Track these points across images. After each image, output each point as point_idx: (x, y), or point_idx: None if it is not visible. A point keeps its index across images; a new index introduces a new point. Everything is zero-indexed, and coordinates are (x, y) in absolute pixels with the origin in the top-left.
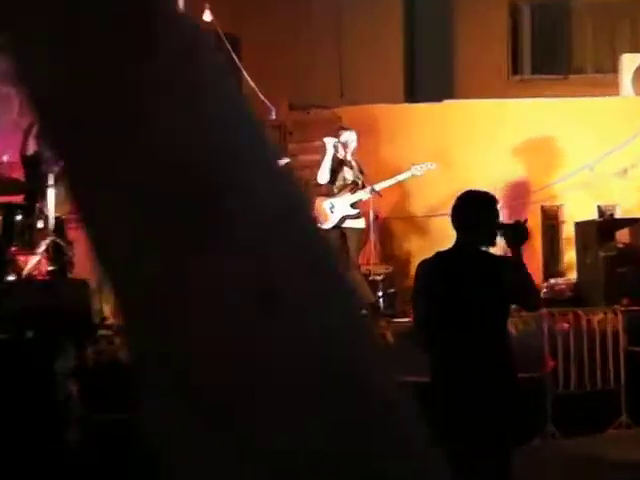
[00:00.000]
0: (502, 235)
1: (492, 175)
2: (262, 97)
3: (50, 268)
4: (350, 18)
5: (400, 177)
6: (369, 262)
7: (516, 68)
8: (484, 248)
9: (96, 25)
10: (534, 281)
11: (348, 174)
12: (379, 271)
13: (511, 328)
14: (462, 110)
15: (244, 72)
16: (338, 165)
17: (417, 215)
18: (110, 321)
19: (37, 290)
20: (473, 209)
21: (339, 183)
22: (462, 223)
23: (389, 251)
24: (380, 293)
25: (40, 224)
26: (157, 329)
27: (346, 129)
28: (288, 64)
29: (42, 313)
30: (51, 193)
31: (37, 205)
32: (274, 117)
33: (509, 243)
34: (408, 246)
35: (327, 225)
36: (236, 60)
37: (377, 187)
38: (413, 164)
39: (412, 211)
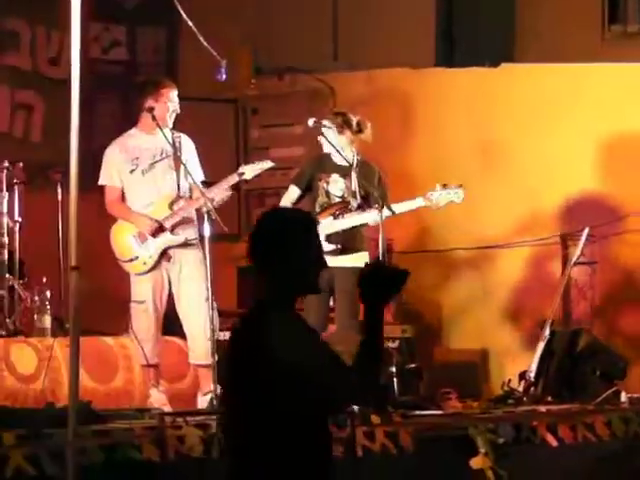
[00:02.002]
0: (360, 284)
1: (564, 183)
2: (203, 41)
3: None
4: None
5: (418, 203)
6: None
7: (615, 15)
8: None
9: None
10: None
11: (336, 186)
12: (393, 335)
13: None
14: (527, 78)
15: (178, 7)
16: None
17: (451, 247)
18: None
19: None
20: (268, 240)
21: (321, 200)
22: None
23: (409, 304)
24: (393, 369)
25: None
26: None
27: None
28: (253, 6)
29: None
30: None
31: None
32: (224, 77)
33: (369, 298)
34: (438, 295)
35: None
36: None
37: (397, 208)
38: (436, 189)
39: (443, 241)
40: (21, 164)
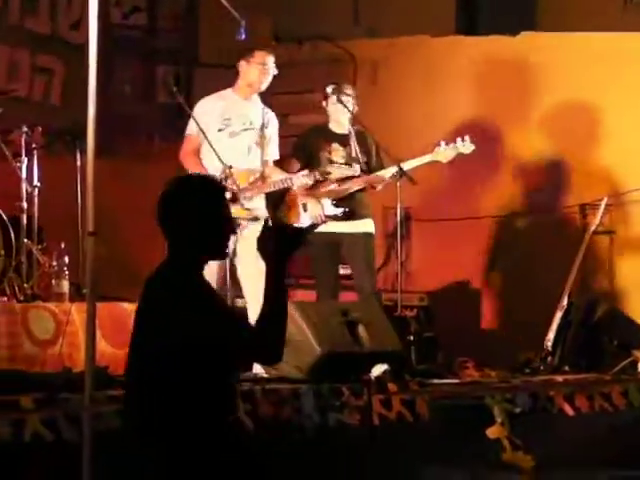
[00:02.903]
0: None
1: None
2: (223, 1)
3: None
4: None
5: (426, 158)
6: (393, 288)
7: None
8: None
9: None
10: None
11: (338, 154)
12: (410, 303)
13: None
14: (548, 47)
15: None
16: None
17: (467, 216)
18: None
19: None
20: (173, 205)
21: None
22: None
23: (426, 273)
24: (411, 338)
25: None
26: None
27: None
28: None
29: None
30: None
31: None
32: (243, 37)
33: (271, 256)
34: (455, 263)
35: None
36: None
37: (406, 166)
38: (445, 142)
39: (460, 209)
40: (40, 128)
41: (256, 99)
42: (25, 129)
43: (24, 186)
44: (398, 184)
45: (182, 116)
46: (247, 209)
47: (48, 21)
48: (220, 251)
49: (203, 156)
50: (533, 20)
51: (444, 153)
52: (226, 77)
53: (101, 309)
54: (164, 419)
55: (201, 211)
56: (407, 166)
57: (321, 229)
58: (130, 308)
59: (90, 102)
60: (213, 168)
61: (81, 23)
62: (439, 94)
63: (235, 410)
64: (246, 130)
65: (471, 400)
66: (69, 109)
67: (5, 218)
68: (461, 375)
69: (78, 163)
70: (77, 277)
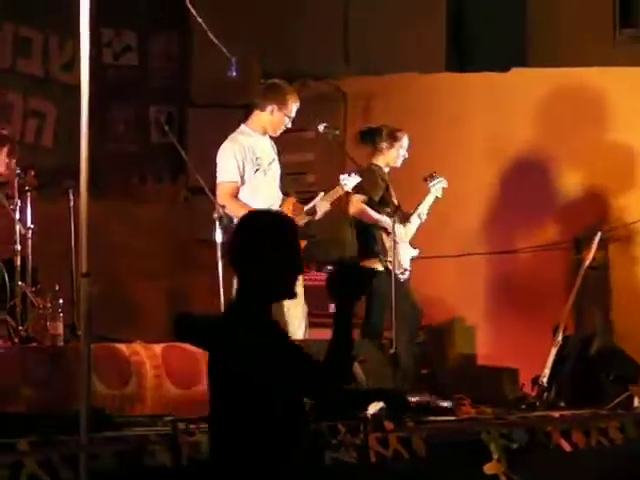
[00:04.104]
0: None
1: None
2: (213, 39)
3: None
4: None
5: (431, 198)
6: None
7: (627, 18)
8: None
9: None
10: None
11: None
12: None
13: None
14: (539, 83)
15: (191, 9)
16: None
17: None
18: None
19: None
20: (245, 242)
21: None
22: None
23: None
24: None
25: None
26: None
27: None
28: (263, 10)
29: None
30: None
31: None
32: (234, 74)
33: (338, 296)
34: (450, 299)
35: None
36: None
37: (420, 210)
38: (431, 176)
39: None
40: (32, 171)
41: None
42: (18, 171)
43: (18, 228)
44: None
45: (175, 156)
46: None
47: (40, 63)
48: (291, 290)
49: (244, 197)
50: (523, 56)
51: (438, 188)
52: (219, 116)
53: (96, 350)
54: (249, 455)
55: (275, 249)
56: (422, 210)
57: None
58: (124, 348)
59: (83, 143)
60: (261, 206)
61: (73, 64)
62: (430, 130)
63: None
64: (270, 164)
65: (468, 436)
66: (61, 150)
67: None
68: (457, 412)
69: (71, 204)
70: (72, 318)
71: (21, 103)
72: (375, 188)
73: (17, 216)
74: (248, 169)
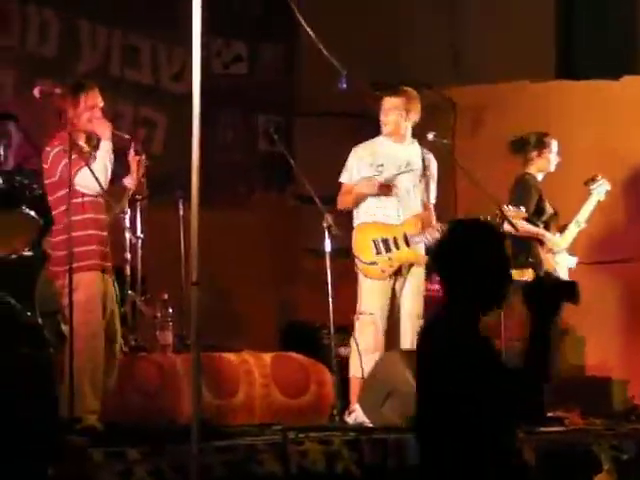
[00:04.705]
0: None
1: None
2: (324, 52)
3: None
4: None
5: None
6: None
7: None
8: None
9: None
10: None
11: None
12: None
13: None
14: None
15: (300, 20)
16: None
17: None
18: (88, 422)
19: None
20: (455, 251)
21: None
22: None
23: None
24: None
25: None
26: None
27: None
28: (372, 19)
29: None
30: None
31: None
32: (344, 86)
33: (537, 311)
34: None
35: None
36: (292, 6)
37: (580, 217)
38: (593, 179)
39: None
40: (143, 179)
41: (412, 142)
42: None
43: (127, 237)
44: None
45: (283, 165)
46: (416, 253)
47: (150, 73)
48: (503, 300)
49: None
50: (634, 64)
51: (600, 191)
52: (325, 126)
53: (205, 359)
54: (462, 467)
55: (491, 259)
56: (582, 216)
57: None
58: (233, 358)
59: (194, 153)
60: (375, 213)
61: (183, 74)
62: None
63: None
64: (402, 173)
65: (578, 447)
66: (171, 159)
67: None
68: (566, 423)
69: (180, 213)
70: (181, 328)
71: (131, 112)
72: (528, 198)
73: (127, 225)
74: (367, 174)
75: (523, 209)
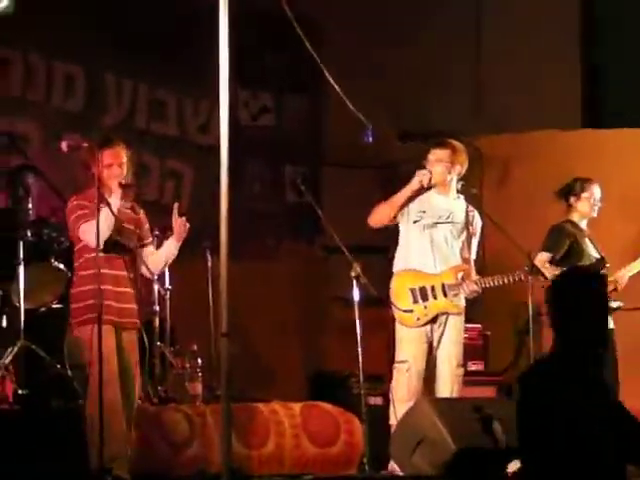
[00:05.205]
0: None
1: None
2: (349, 105)
3: (20, 392)
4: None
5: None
6: None
7: None
8: None
9: None
10: None
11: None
12: None
13: None
14: None
15: (325, 73)
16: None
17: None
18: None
19: None
20: (561, 298)
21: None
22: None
23: None
24: None
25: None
26: None
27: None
28: (396, 70)
29: None
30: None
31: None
32: (370, 140)
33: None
34: None
35: None
36: (316, 58)
37: (628, 272)
38: None
39: None
40: (171, 232)
41: (457, 196)
42: (156, 232)
43: (156, 288)
44: (530, 279)
45: (310, 215)
46: (453, 303)
47: (176, 125)
48: (603, 340)
49: (405, 246)
50: None
51: None
52: (352, 176)
53: (235, 409)
54: None
55: (597, 307)
56: (628, 272)
57: None
58: (263, 408)
59: (223, 204)
60: (408, 257)
61: (209, 125)
62: None
63: None
64: (440, 223)
65: None
66: (198, 211)
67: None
68: None
69: (209, 264)
70: (210, 378)
71: (158, 164)
72: (558, 245)
73: (155, 277)
74: (409, 218)
75: (546, 254)
